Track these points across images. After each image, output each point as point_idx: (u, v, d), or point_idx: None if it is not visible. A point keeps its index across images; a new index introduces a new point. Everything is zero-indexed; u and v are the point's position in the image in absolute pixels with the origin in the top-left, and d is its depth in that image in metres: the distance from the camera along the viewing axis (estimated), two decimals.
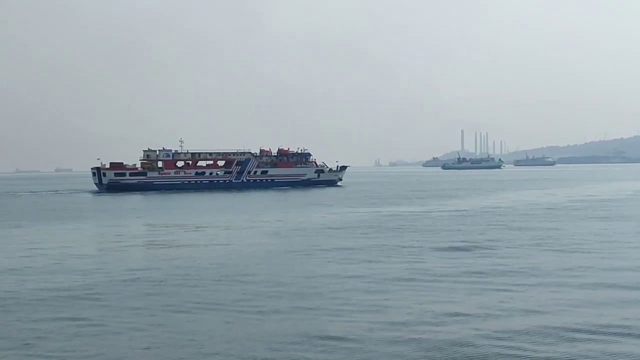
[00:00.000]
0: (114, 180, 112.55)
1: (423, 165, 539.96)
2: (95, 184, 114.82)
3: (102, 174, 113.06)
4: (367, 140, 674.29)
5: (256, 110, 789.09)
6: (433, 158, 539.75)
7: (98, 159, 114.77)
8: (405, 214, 53.26)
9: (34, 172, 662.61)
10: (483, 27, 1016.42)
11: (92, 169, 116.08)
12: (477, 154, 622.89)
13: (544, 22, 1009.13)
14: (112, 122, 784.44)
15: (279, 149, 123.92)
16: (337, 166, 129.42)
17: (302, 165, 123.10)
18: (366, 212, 56.07)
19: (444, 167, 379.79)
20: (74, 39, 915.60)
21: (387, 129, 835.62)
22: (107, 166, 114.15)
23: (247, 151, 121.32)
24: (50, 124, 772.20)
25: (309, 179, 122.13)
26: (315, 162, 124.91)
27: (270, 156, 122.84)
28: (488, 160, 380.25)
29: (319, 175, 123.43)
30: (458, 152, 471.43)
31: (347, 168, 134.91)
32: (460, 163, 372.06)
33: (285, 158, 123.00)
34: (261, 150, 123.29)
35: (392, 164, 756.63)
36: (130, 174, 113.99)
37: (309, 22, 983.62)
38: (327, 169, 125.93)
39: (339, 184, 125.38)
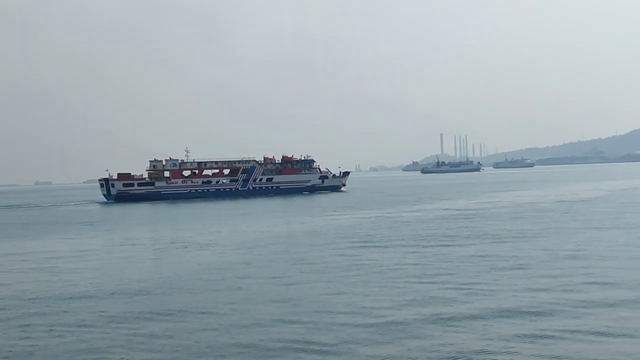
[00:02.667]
0: (122, 191, 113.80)
1: (403, 170, 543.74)
2: (104, 194, 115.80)
3: (110, 185, 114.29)
4: (347, 146, 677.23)
5: (230, 120, 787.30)
6: (413, 162, 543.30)
7: (106, 170, 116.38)
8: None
9: (13, 186, 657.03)
10: (459, 30, 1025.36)
11: (100, 180, 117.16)
12: (457, 157, 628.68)
13: (519, 23, 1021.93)
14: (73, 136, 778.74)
15: (283, 156, 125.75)
16: (340, 172, 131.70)
17: (307, 172, 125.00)
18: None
19: (423, 171, 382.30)
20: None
21: (366, 135, 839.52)
22: (115, 177, 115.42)
23: (252, 159, 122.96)
24: (26, 140, 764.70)
25: (313, 185, 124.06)
26: (319, 168, 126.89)
27: (275, 163, 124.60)
28: (467, 164, 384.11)
29: (323, 181, 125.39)
30: (437, 156, 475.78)
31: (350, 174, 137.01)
32: (440, 167, 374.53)
33: (289, 165, 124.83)
34: (265, 158, 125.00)
35: (373, 169, 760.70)
36: (139, 184, 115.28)
37: (280, 30, 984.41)
38: (331, 175, 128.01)
39: (342, 189, 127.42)
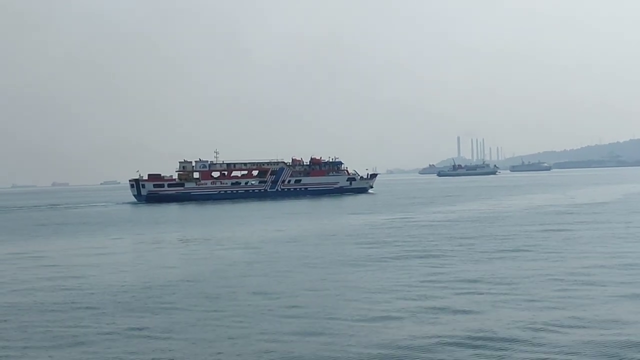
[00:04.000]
0: (153, 192, 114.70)
1: (419, 173, 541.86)
2: (134, 195, 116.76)
3: (141, 186, 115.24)
4: (363, 149, 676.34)
5: (246, 124, 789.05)
6: (429, 165, 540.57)
7: (137, 171, 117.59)
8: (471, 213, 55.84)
9: (31, 187, 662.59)
10: (475, 32, 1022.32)
11: (130, 180, 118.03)
12: (474, 160, 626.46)
13: (537, 26, 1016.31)
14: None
15: (311, 158, 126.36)
16: (368, 174, 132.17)
17: (335, 174, 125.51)
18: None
19: (439, 174, 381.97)
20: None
21: (382, 137, 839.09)
22: (146, 178, 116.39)
23: (281, 161, 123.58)
24: (43, 143, 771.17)
25: (341, 187, 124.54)
26: (347, 171, 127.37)
27: (303, 165, 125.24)
28: (483, 167, 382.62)
29: (350, 183, 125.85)
30: (453, 159, 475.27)
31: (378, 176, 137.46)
32: (456, 170, 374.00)
33: (317, 167, 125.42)
34: (293, 160, 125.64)
35: (389, 172, 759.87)
36: (169, 185, 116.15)
37: (295, 33, 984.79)
38: (359, 177, 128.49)
39: (370, 191, 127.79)
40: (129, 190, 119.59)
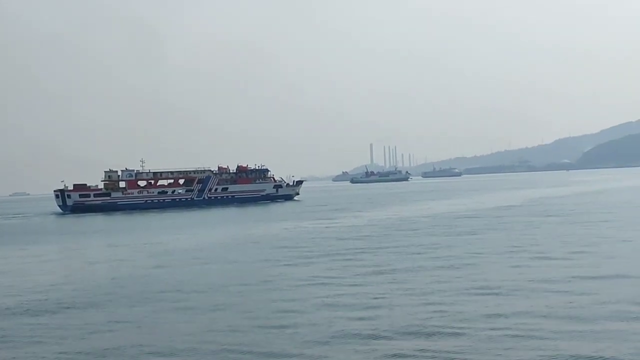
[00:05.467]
0: (78, 202, 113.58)
1: (333, 180, 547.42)
2: (59, 205, 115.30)
3: (66, 196, 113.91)
4: (278, 156, 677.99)
5: (159, 131, 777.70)
6: (342, 172, 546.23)
7: (62, 181, 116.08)
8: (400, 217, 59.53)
9: None
10: (387, 40, 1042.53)
11: (55, 191, 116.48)
12: (386, 167, 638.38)
13: (445, 29, 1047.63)
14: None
15: (238, 166, 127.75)
16: (294, 181, 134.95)
17: (261, 181, 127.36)
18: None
19: (352, 181, 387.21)
20: None
21: (296, 144, 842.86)
22: (71, 188, 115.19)
23: (207, 169, 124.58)
24: None
25: (268, 194, 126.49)
26: (273, 178, 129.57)
27: (230, 173, 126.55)
28: (396, 173, 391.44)
29: (277, 191, 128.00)
30: (366, 166, 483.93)
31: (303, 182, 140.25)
32: (368, 177, 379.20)
33: (244, 174, 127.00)
34: (219, 168, 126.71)
35: (303, 179, 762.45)
36: (95, 195, 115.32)
37: (213, 36, 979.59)
38: (285, 184, 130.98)
39: (295, 198, 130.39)
40: (46, 202, 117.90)
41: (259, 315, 20.26)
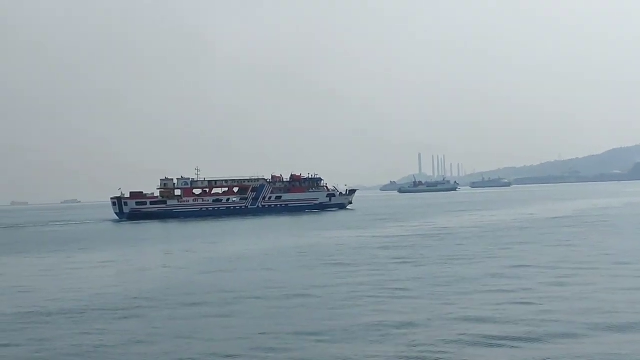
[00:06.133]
0: (135, 209, 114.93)
1: (380, 190, 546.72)
2: (116, 213, 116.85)
3: (123, 203, 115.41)
4: (326, 165, 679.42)
5: (199, 135, 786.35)
6: (390, 182, 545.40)
7: (119, 189, 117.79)
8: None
9: None
10: (432, 49, 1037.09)
11: (112, 198, 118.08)
12: (435, 177, 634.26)
13: (492, 43, 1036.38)
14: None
15: (291, 175, 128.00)
16: (347, 190, 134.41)
17: (315, 190, 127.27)
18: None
19: (400, 191, 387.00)
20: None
21: (344, 153, 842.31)
22: (128, 196, 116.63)
23: (261, 177, 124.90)
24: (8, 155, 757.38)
25: (321, 203, 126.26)
26: (326, 187, 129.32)
27: (283, 182, 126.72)
28: (444, 183, 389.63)
29: (330, 199, 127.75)
30: (414, 176, 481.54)
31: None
32: (416, 186, 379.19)
33: (298, 183, 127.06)
34: (273, 177, 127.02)
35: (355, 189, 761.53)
36: (151, 203, 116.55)
37: (251, 52, 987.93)
38: (338, 193, 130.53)
39: (349, 207, 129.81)
40: (98, 209, 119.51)
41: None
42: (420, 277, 29.07)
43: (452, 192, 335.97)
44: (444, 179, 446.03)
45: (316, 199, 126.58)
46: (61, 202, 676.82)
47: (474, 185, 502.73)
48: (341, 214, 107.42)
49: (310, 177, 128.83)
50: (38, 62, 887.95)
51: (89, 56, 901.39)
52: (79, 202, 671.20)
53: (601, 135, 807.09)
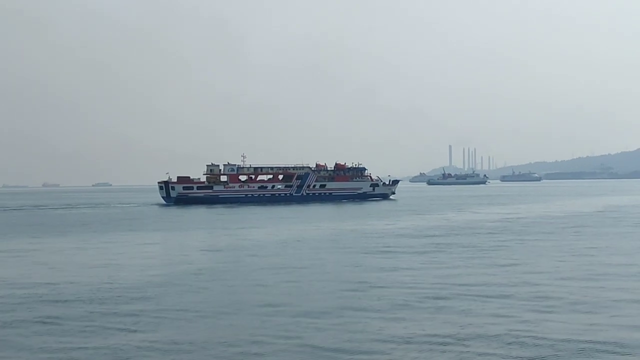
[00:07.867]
0: (182, 194, 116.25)
1: (410, 181, 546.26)
2: (163, 197, 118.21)
3: (170, 188, 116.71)
4: (355, 155, 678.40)
5: (241, 126, 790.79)
6: (420, 173, 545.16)
7: (167, 173, 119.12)
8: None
9: (22, 188, 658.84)
10: (471, 41, 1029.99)
11: (159, 182, 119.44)
12: (465, 169, 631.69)
13: (529, 36, 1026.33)
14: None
15: (336, 164, 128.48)
16: (390, 180, 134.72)
17: (358, 179, 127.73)
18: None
19: (429, 183, 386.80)
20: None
21: (375, 144, 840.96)
22: (175, 180, 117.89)
23: (306, 165, 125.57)
24: (35, 142, 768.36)
25: (364, 192, 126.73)
26: (370, 176, 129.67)
27: (328, 170, 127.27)
28: (473, 176, 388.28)
29: (373, 189, 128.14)
30: (443, 168, 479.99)
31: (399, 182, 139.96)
32: (446, 179, 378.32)
33: (342, 172, 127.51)
34: (317, 165, 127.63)
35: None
36: (198, 188, 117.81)
37: (292, 36, 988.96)
38: (381, 183, 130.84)
39: (391, 197, 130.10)
40: (142, 193, 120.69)
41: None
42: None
43: (481, 185, 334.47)
44: (473, 172, 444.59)
45: (359, 189, 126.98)
46: (92, 185, 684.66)
47: (503, 178, 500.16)
48: (387, 204, 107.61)
49: (354, 166, 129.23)
50: (72, 61, 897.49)
51: (126, 55, 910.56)
52: (110, 184, 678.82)
53: (634, 132, 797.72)
